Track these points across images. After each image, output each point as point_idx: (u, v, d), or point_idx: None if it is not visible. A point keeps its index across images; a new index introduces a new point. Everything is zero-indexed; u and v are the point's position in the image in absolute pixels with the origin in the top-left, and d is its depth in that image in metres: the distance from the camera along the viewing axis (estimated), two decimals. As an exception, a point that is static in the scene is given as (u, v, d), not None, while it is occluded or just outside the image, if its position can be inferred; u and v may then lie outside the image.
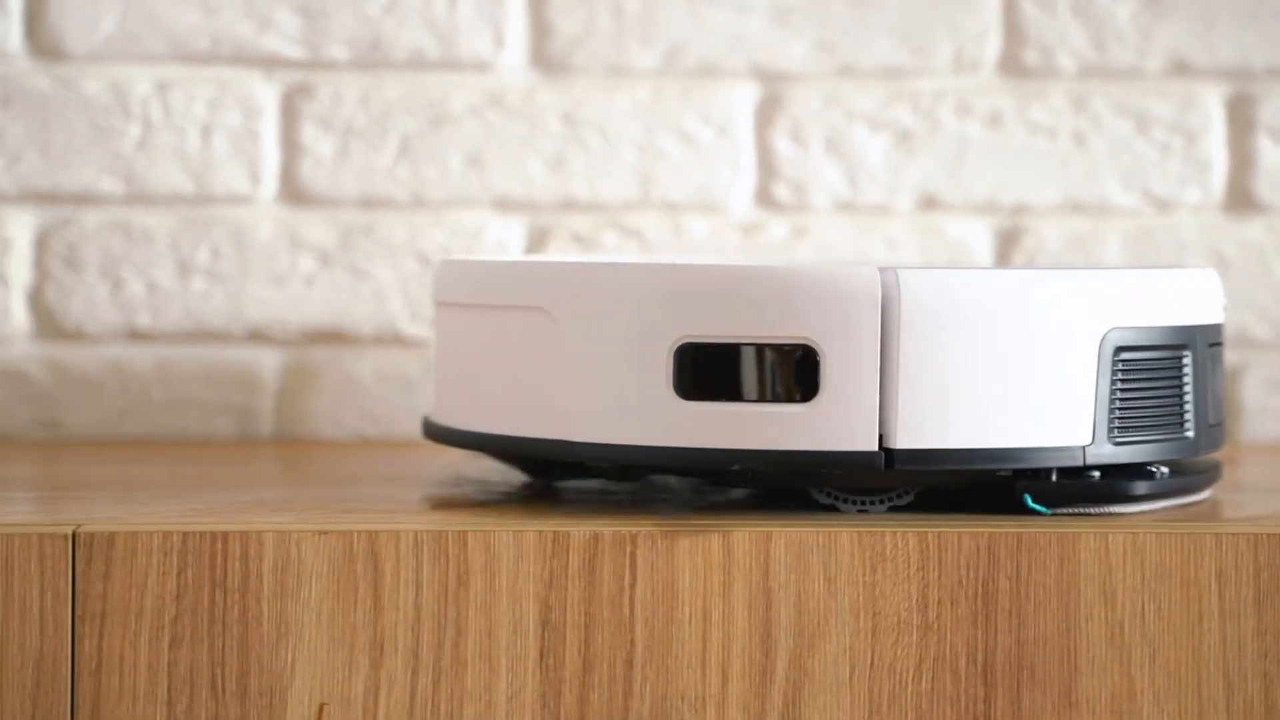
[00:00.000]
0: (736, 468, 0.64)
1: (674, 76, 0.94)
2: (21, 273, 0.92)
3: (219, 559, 0.62)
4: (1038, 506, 0.66)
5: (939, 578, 0.63)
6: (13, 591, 0.61)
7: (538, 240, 0.94)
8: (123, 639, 0.61)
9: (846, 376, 0.63)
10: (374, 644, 0.62)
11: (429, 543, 0.63)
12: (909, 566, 0.63)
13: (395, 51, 0.93)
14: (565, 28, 0.94)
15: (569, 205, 0.94)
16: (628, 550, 0.63)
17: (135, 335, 0.92)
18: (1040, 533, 0.64)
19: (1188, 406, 0.69)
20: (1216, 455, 0.73)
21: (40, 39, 0.91)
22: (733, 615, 0.63)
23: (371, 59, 0.93)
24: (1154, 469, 0.68)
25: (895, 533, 0.64)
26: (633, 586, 0.63)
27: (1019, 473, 0.66)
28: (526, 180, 0.94)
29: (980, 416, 0.64)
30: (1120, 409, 0.66)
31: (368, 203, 0.93)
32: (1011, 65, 0.95)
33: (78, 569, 0.61)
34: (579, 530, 0.63)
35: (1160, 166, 0.95)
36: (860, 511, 0.66)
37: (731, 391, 0.64)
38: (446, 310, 0.72)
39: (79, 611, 0.61)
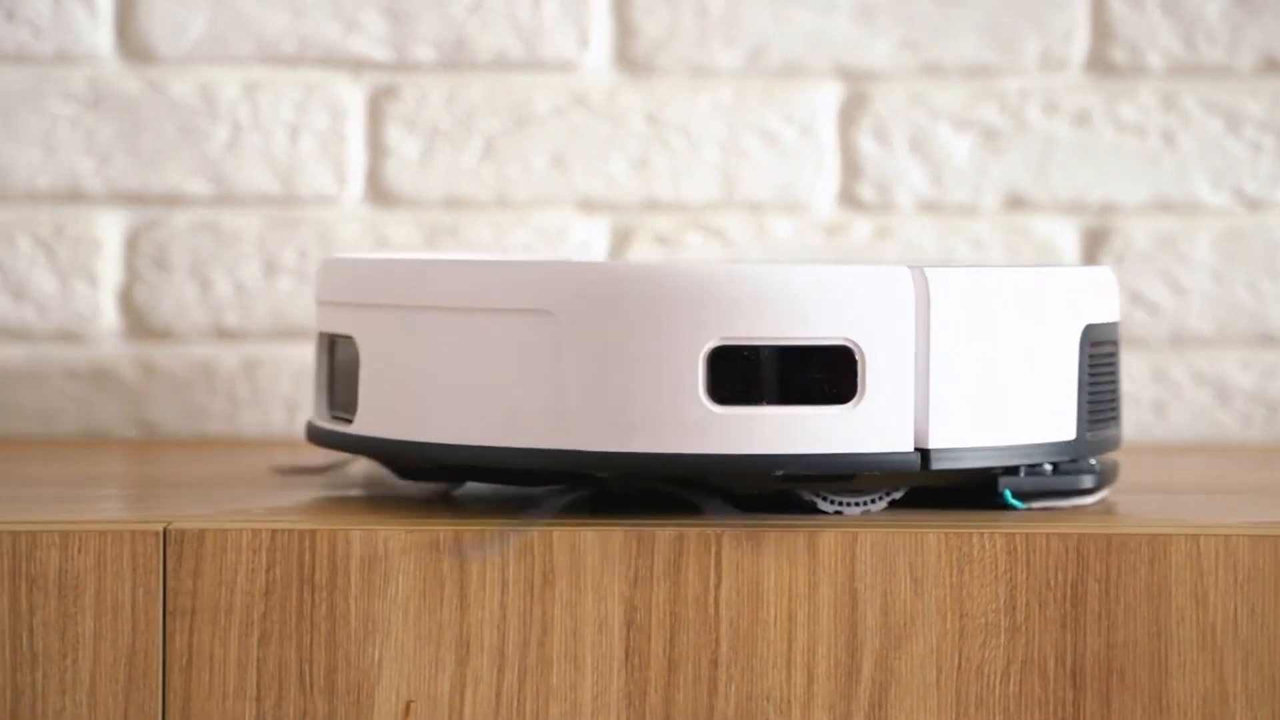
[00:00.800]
0: (780, 474, 0.63)
1: (757, 76, 0.94)
2: (112, 273, 0.93)
3: (307, 556, 0.62)
4: (1015, 502, 0.67)
5: (1027, 579, 0.63)
6: (105, 588, 0.61)
7: (621, 240, 0.94)
8: (212, 635, 0.62)
9: (885, 378, 0.63)
10: (460, 642, 0.63)
11: (514, 541, 0.63)
12: (996, 568, 0.63)
13: (480, 52, 0.93)
14: (649, 28, 0.94)
15: (652, 205, 0.94)
16: (713, 550, 0.63)
17: (223, 334, 0.93)
18: (1130, 535, 0.63)
19: (1119, 400, 0.71)
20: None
21: (130, 41, 0.92)
22: (818, 616, 0.63)
23: (456, 60, 0.93)
24: (1093, 461, 0.69)
25: (983, 534, 0.63)
26: (718, 586, 0.63)
27: (1008, 469, 0.67)
28: (610, 180, 0.94)
29: (1006, 413, 0.65)
30: (1092, 403, 0.68)
31: (452, 203, 0.94)
32: (1100, 63, 0.94)
33: (169, 566, 0.62)
34: (664, 530, 0.63)
35: (1251, 165, 0.94)
36: (836, 513, 0.66)
37: (767, 395, 0.63)
38: (375, 312, 0.68)
39: (170, 608, 0.62)
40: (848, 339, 0.63)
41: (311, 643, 0.62)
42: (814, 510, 0.66)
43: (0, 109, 0.91)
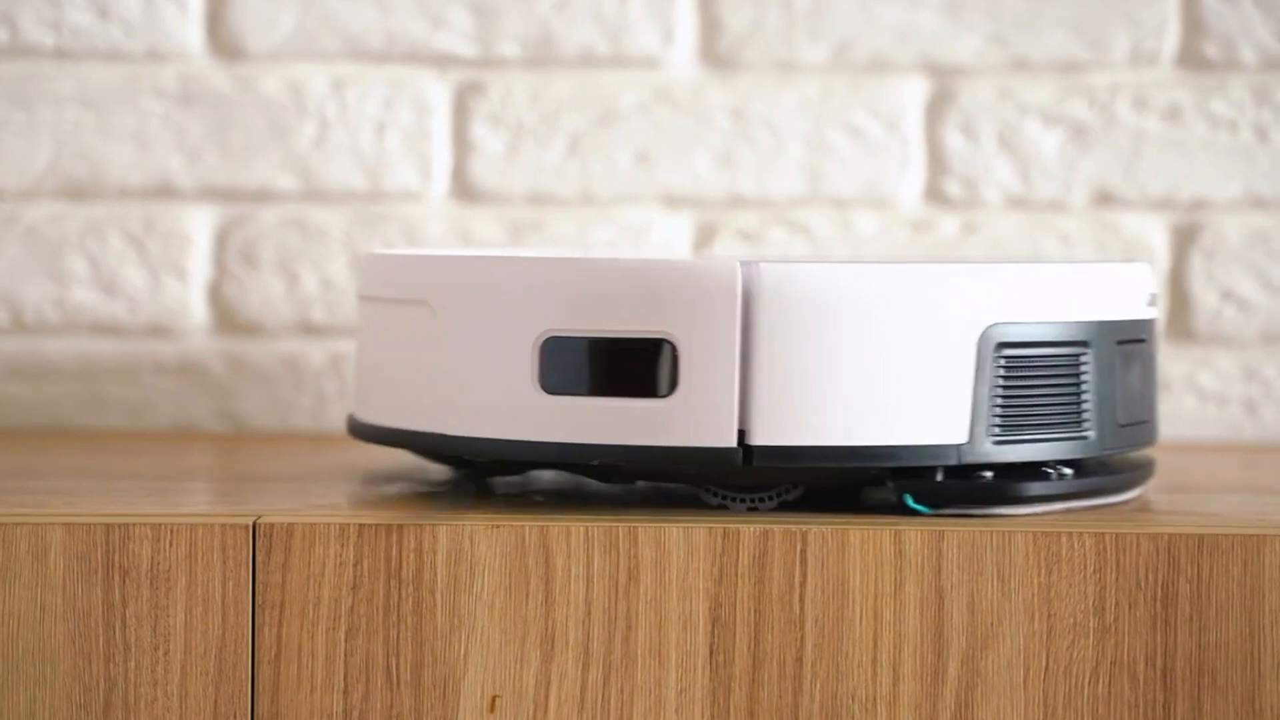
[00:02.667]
0: (596, 463, 0.64)
1: (843, 71, 0.94)
2: (201, 268, 0.94)
3: (394, 551, 0.63)
4: (919, 506, 0.65)
5: (1116, 580, 0.62)
6: (196, 580, 0.62)
7: (705, 237, 0.94)
8: (301, 628, 0.62)
9: (705, 371, 0.63)
10: (545, 637, 0.63)
11: (600, 538, 0.63)
12: (1085, 568, 0.62)
13: (565, 49, 0.94)
14: (734, 24, 0.93)
15: (736, 201, 0.94)
16: (798, 548, 0.63)
17: (310, 330, 0.94)
18: (1223, 535, 0.62)
19: (1087, 405, 0.66)
20: (1147, 453, 0.72)
21: (220, 39, 0.93)
22: (904, 614, 0.63)
23: (542, 57, 0.93)
24: (1051, 469, 0.66)
25: (1071, 534, 0.63)
26: (803, 584, 0.63)
27: (898, 471, 0.64)
28: (694, 177, 0.94)
29: (844, 413, 0.63)
30: (1003, 407, 0.64)
31: (536, 199, 0.94)
32: (1191, 58, 0.93)
33: (258, 559, 0.62)
34: (749, 527, 0.63)
35: (1345, 161, 0.93)
36: (750, 509, 0.66)
37: (593, 386, 0.64)
38: (364, 305, 0.72)
39: (259, 601, 0.62)
40: (665, 333, 0.63)
41: (398, 637, 0.63)
42: (697, 503, 0.66)
43: (93, 106, 0.92)
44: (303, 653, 0.62)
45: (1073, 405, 0.66)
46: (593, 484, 0.71)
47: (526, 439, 0.64)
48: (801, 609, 0.63)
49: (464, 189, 0.94)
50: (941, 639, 0.63)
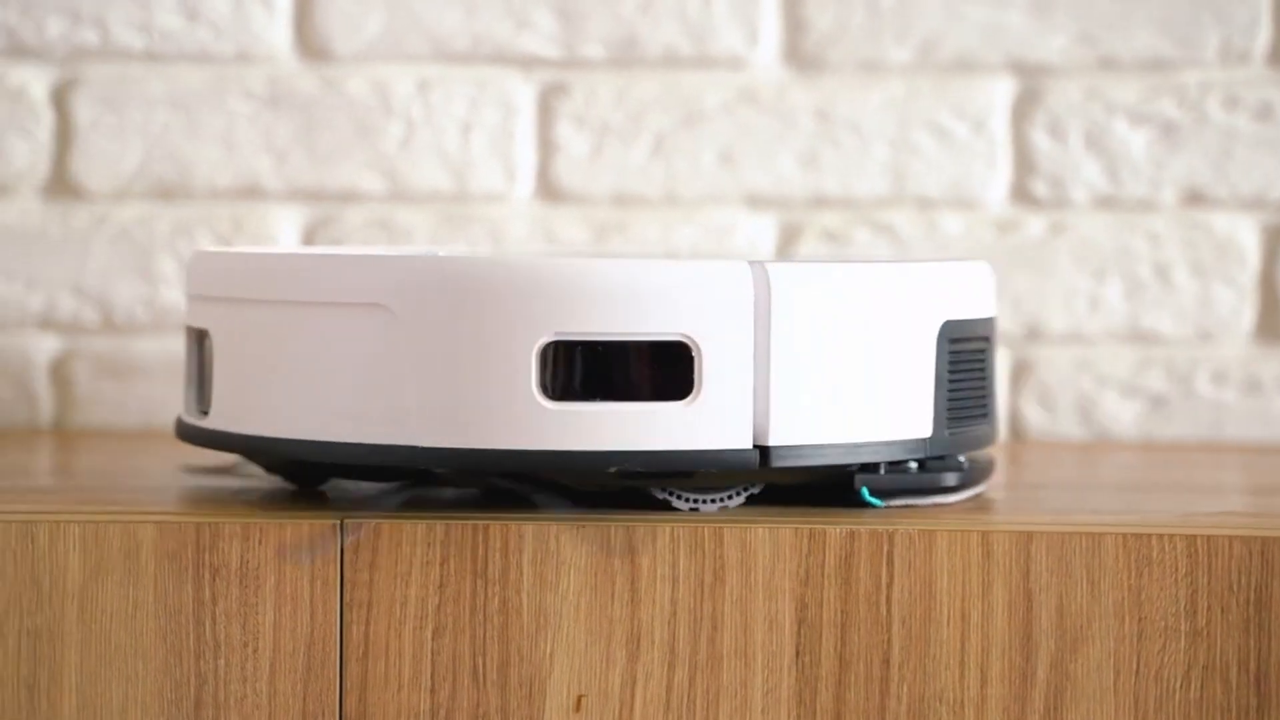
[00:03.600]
0: (613, 470, 0.62)
1: (929, 71, 0.93)
2: (288, 269, 0.94)
3: (480, 550, 0.63)
4: (873, 500, 0.66)
5: (1208, 583, 0.62)
6: (285, 578, 0.62)
7: (789, 237, 0.94)
8: (388, 626, 0.63)
9: (722, 374, 0.62)
10: (631, 637, 0.63)
11: (685, 538, 0.63)
12: (1177, 571, 0.62)
13: (650, 49, 0.94)
14: (819, 24, 0.93)
15: (820, 202, 0.94)
16: (884, 549, 0.63)
17: (395, 330, 0.94)
18: (1318, 539, 0.62)
19: (989, 397, 0.69)
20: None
21: (308, 40, 0.94)
22: (992, 617, 0.62)
23: (626, 57, 0.94)
24: (961, 459, 0.67)
25: (1162, 536, 0.62)
26: (889, 585, 0.63)
27: (863, 466, 0.65)
28: (778, 177, 0.94)
29: (851, 411, 0.64)
30: (951, 400, 0.66)
31: (620, 200, 0.94)
32: (1283, 56, 0.92)
33: (345, 558, 0.63)
34: (835, 528, 0.63)
35: None
36: (691, 509, 0.65)
37: (604, 391, 0.62)
38: (228, 305, 0.67)
39: (347, 599, 0.63)
40: (684, 335, 0.62)
41: (484, 636, 0.63)
42: (668, 507, 0.65)
43: (182, 108, 0.93)
44: (390, 651, 0.63)
45: (984, 396, 0.69)
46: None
47: (529, 448, 0.62)
48: (888, 610, 0.62)
49: (548, 190, 0.94)
50: (1030, 641, 0.62)
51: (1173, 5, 0.92)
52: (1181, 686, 0.62)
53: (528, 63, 0.94)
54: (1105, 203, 0.93)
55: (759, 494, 0.66)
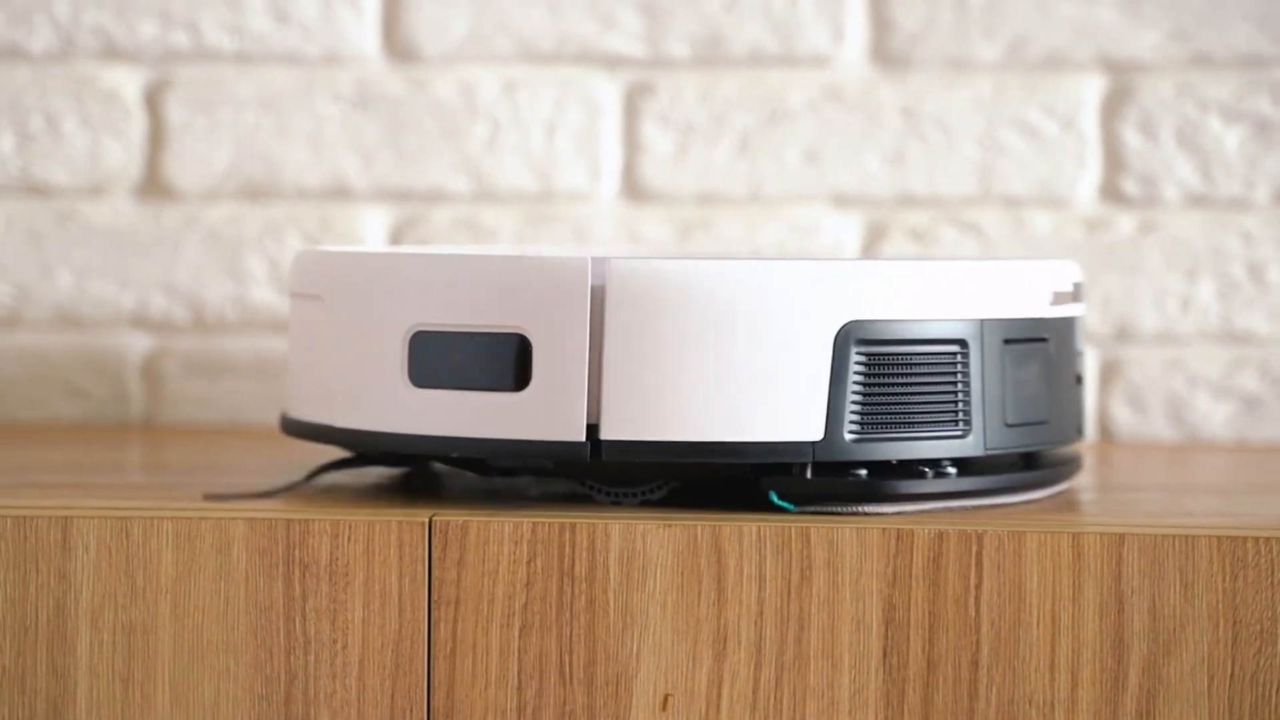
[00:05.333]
0: (455, 455, 0.65)
1: (1017, 69, 0.92)
2: (375, 268, 0.95)
3: (567, 549, 0.63)
4: (784, 504, 0.64)
5: (1304, 586, 0.61)
6: (374, 576, 0.63)
7: (875, 236, 0.93)
8: (475, 624, 0.63)
9: (556, 366, 0.63)
10: (717, 637, 0.63)
11: (772, 538, 0.63)
12: (1273, 574, 0.61)
13: (735, 48, 0.93)
14: (906, 22, 0.93)
15: (907, 201, 0.93)
16: (973, 550, 0.62)
17: (481, 329, 0.95)
18: None
19: (966, 403, 0.64)
20: (1065, 451, 0.70)
21: (395, 42, 0.94)
22: (1082, 619, 0.62)
23: (711, 56, 0.93)
24: (926, 469, 0.64)
25: (1258, 539, 0.61)
26: (978, 587, 0.62)
27: (764, 468, 0.64)
28: (864, 175, 0.93)
29: (694, 409, 0.63)
30: (865, 405, 0.63)
31: (705, 199, 0.94)
32: (1379, 51, 0.91)
33: (434, 556, 0.63)
34: (923, 529, 0.62)
35: None
36: (614, 503, 0.66)
37: (454, 379, 0.64)
38: (296, 301, 0.73)
39: (435, 597, 0.63)
40: (520, 327, 0.64)
41: (571, 634, 0.63)
42: (591, 501, 0.66)
43: (272, 109, 0.94)
44: (477, 649, 0.63)
45: (950, 404, 0.65)
46: (472, 476, 0.72)
47: (396, 431, 0.65)
48: (977, 612, 0.62)
49: (633, 189, 0.94)
50: (1122, 644, 0.61)
51: (1268, 1, 0.91)
52: (1278, 691, 0.61)
53: (613, 62, 0.94)
54: (1197, 201, 0.92)
55: (675, 492, 0.67)
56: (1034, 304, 0.67)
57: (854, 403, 0.64)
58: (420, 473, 0.74)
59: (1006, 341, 0.66)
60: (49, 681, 0.63)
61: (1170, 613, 0.61)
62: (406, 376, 0.65)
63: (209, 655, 0.63)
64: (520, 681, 0.63)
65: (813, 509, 0.64)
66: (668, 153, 0.93)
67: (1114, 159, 0.92)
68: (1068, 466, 0.70)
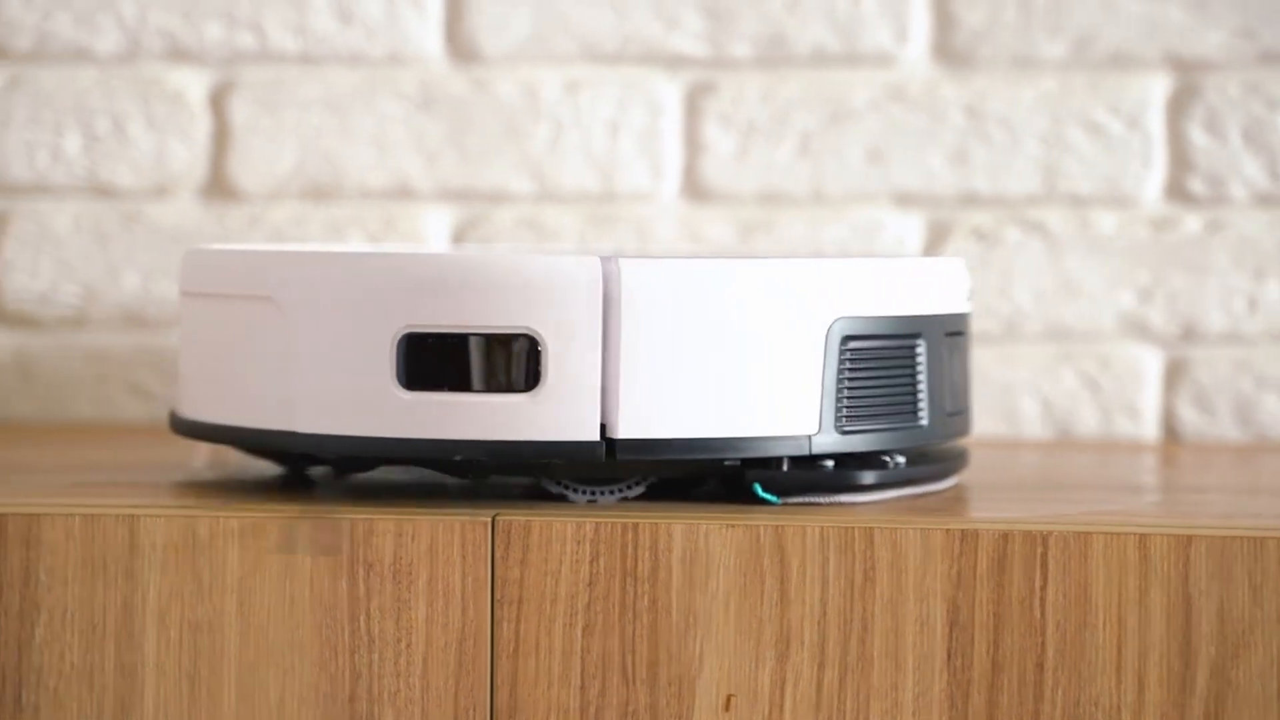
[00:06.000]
0: (459, 458, 0.63)
1: (1082, 67, 0.92)
2: (438, 268, 0.95)
3: (629, 549, 0.63)
4: (768, 496, 0.65)
5: (1375, 589, 0.60)
6: (437, 575, 0.63)
7: (938, 236, 0.93)
8: (538, 624, 0.63)
9: (568, 366, 0.62)
10: (780, 638, 0.63)
11: (835, 538, 0.62)
12: (1343, 577, 0.60)
13: (797, 48, 0.93)
14: (970, 20, 0.92)
15: (970, 200, 0.93)
16: (1038, 552, 0.62)
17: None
18: None
19: (921, 395, 0.67)
20: (960, 443, 0.72)
21: (458, 43, 0.95)
22: (1149, 622, 0.61)
23: (774, 56, 0.93)
24: (887, 458, 0.66)
25: (1327, 541, 0.61)
26: (1043, 589, 0.62)
27: (751, 462, 0.65)
28: (927, 175, 0.93)
29: (704, 406, 0.63)
30: (849, 398, 0.65)
31: (767, 199, 0.94)
32: None
33: (496, 555, 0.63)
34: (988, 530, 0.62)
35: None
36: (590, 501, 0.66)
37: (455, 382, 0.63)
38: (190, 300, 0.71)
39: (498, 596, 0.63)
40: (529, 328, 0.63)
41: (634, 634, 0.63)
42: (564, 500, 0.66)
43: (335, 110, 0.95)
44: (540, 648, 0.63)
45: (909, 396, 0.67)
46: (445, 479, 0.71)
47: (386, 435, 0.64)
48: (1042, 614, 0.62)
49: (695, 189, 0.94)
50: (1189, 647, 0.61)
51: (1336, -3, 0.90)
52: (1347, 695, 0.60)
53: (675, 62, 0.94)
54: (1265, 200, 0.91)
55: (657, 484, 0.67)
56: (958, 299, 0.71)
57: (840, 396, 0.65)
58: (298, 474, 0.72)
59: (946, 334, 0.69)
60: (117, 679, 0.63)
61: (1239, 615, 0.61)
62: (397, 380, 0.63)
63: (274, 654, 0.63)
64: (583, 681, 0.63)
65: (796, 500, 0.66)
66: (730, 153, 0.93)
67: (1180, 158, 0.91)
68: (966, 453, 0.74)
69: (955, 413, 0.71)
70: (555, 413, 0.63)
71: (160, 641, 0.63)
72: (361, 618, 0.63)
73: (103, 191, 0.95)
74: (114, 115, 0.95)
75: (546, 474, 0.67)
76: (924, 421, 0.68)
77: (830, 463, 0.66)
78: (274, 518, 0.63)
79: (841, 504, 0.66)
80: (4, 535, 0.63)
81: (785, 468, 0.65)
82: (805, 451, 0.65)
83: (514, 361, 0.63)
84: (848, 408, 0.66)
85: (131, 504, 0.65)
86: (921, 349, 0.68)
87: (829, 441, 0.65)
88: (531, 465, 0.66)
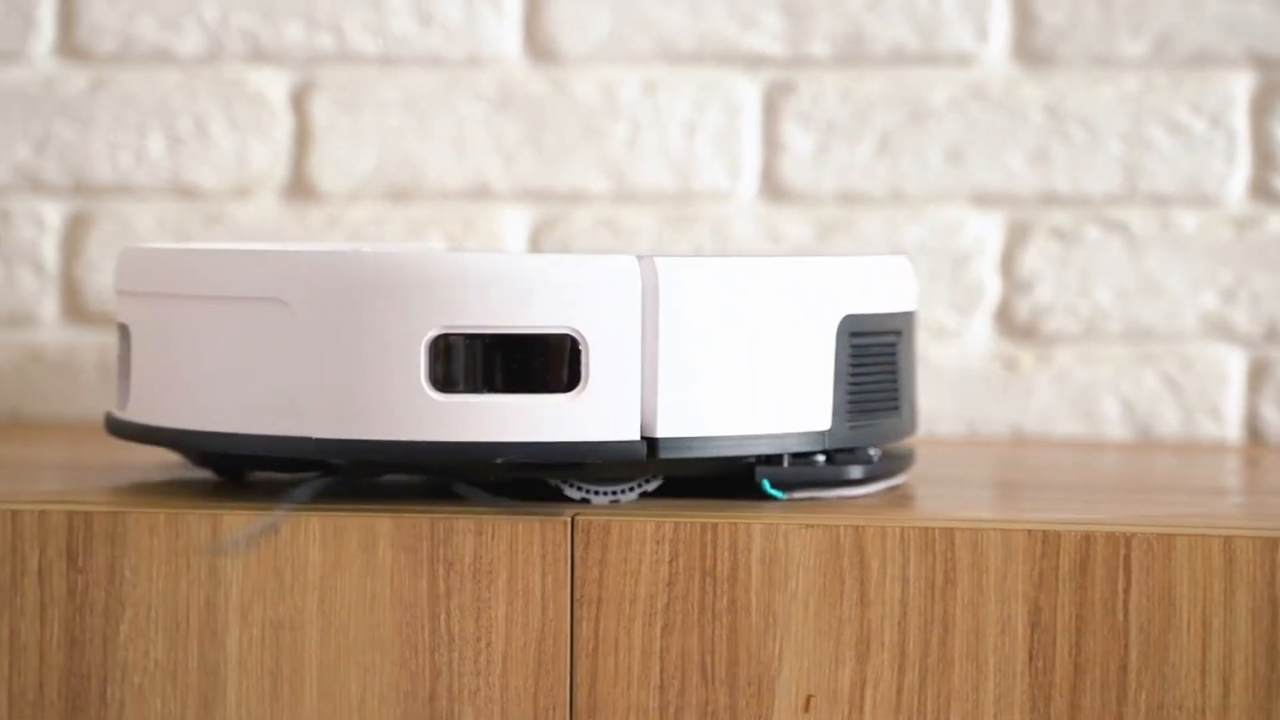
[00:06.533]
0: (500, 461, 0.62)
1: (1164, 65, 0.91)
2: (516, 268, 0.95)
3: (708, 549, 0.63)
4: (775, 492, 0.66)
5: None
6: (517, 574, 0.63)
7: (1018, 235, 0.92)
8: (617, 624, 0.63)
9: (609, 366, 0.62)
10: (860, 638, 0.62)
11: (916, 539, 0.62)
12: None
13: (876, 46, 0.93)
14: (1051, 18, 0.92)
15: (1050, 199, 0.92)
16: (1121, 554, 0.61)
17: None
18: None
19: (901, 390, 0.69)
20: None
21: (537, 43, 0.95)
22: (1234, 624, 0.61)
23: (852, 55, 0.93)
24: (871, 452, 0.68)
25: None
26: (1126, 591, 0.61)
27: (759, 458, 0.65)
28: (1007, 174, 0.92)
29: (737, 403, 0.64)
30: (854, 394, 0.66)
31: (845, 199, 0.93)
32: None
33: (576, 555, 0.63)
34: (1070, 531, 0.62)
35: None
36: (613, 502, 0.65)
37: (491, 384, 0.63)
38: (144, 301, 0.68)
39: (577, 595, 0.63)
40: (570, 328, 0.62)
41: (713, 634, 0.63)
42: (561, 497, 0.65)
43: (415, 111, 0.95)
44: (619, 648, 0.63)
45: (893, 390, 0.69)
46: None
47: (419, 439, 0.62)
48: (1125, 616, 0.61)
49: (773, 189, 0.94)
50: (1276, 650, 0.60)
51: None
52: None
53: (753, 62, 0.94)
54: (1351, 199, 0.90)
55: (661, 486, 0.67)
56: (913, 298, 0.72)
57: (847, 392, 0.67)
58: (234, 475, 0.71)
59: (910, 331, 0.71)
60: (200, 676, 0.64)
61: (1326, 619, 0.60)
62: (427, 381, 0.63)
63: (355, 651, 0.64)
64: (662, 681, 0.63)
65: (801, 495, 0.67)
66: (808, 152, 0.93)
67: (1264, 156, 0.90)
68: (910, 451, 0.75)
69: (912, 406, 0.72)
70: (596, 413, 0.63)
71: (243, 638, 0.64)
72: (442, 616, 0.63)
73: (185, 192, 0.96)
74: (196, 116, 0.95)
75: (562, 478, 0.66)
76: (902, 416, 0.70)
77: (822, 458, 0.67)
78: (354, 515, 0.64)
79: (842, 498, 0.67)
80: (90, 532, 0.64)
81: (786, 464, 0.66)
82: (822, 446, 0.66)
83: (554, 362, 0.63)
84: (850, 403, 0.67)
85: (215, 502, 0.66)
86: (902, 345, 0.70)
87: (840, 436, 0.66)
88: (571, 467, 0.65)
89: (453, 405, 0.63)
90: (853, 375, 0.67)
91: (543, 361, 0.63)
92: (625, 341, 0.63)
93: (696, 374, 0.64)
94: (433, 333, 0.63)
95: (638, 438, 0.63)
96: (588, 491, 0.66)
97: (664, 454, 0.63)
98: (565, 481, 0.66)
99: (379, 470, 0.66)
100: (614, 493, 0.66)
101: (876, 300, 0.68)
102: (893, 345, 0.69)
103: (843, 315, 0.66)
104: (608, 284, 0.63)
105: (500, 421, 0.63)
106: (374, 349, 0.63)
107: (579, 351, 0.63)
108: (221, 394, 0.65)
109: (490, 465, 0.64)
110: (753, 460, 0.66)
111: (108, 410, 0.72)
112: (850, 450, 0.68)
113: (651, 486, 0.67)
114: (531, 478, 0.65)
